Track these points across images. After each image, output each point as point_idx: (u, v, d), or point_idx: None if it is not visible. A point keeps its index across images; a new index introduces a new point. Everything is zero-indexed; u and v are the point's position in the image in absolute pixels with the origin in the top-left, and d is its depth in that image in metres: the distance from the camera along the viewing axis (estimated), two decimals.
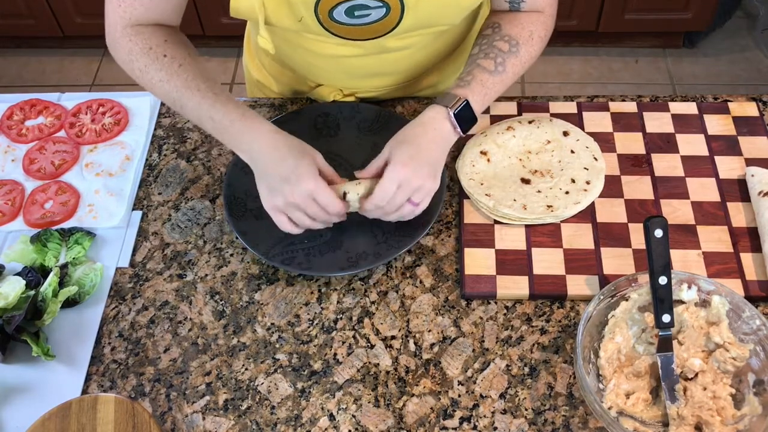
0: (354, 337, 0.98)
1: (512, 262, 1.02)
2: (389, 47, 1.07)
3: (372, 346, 0.97)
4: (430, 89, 1.26)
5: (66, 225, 1.10)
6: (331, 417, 0.91)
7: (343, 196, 0.97)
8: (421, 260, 1.04)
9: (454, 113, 0.98)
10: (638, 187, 1.09)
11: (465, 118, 0.98)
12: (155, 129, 1.23)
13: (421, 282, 1.02)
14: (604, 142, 1.14)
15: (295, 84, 1.26)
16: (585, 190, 1.06)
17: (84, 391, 0.94)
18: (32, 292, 0.98)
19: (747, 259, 1.01)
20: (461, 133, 1.00)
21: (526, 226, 1.05)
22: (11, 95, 1.28)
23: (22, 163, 1.18)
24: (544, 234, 1.05)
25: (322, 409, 0.92)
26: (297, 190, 0.92)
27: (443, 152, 0.99)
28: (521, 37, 1.03)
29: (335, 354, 0.96)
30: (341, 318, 0.99)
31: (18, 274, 1.02)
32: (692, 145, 1.14)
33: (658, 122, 1.17)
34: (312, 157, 0.95)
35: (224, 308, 1.01)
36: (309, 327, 0.99)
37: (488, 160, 1.11)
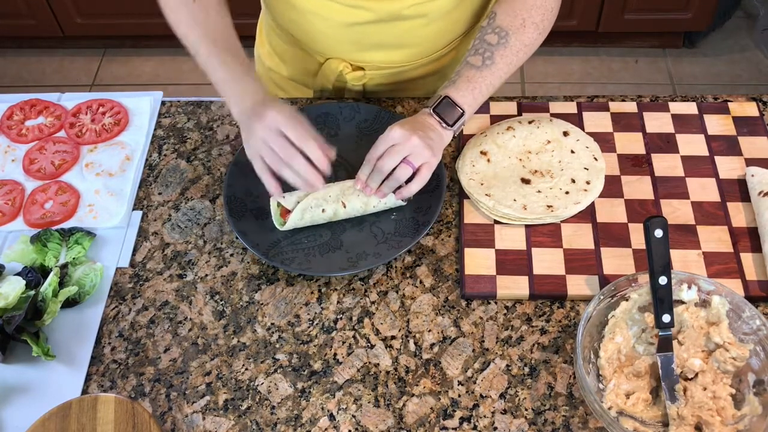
0: (354, 337, 0.98)
1: (512, 262, 1.02)
2: (404, 14, 1.07)
3: (372, 346, 0.97)
4: (438, 76, 1.24)
5: (66, 225, 1.10)
6: (331, 417, 0.91)
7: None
8: (421, 260, 1.04)
9: (432, 109, 1.02)
10: (638, 187, 1.09)
11: (447, 113, 1.02)
12: (155, 129, 1.23)
13: (421, 282, 1.02)
14: (604, 142, 1.14)
15: (303, 62, 1.25)
16: (585, 190, 1.06)
17: (84, 391, 0.94)
18: (32, 292, 0.98)
19: (747, 259, 1.01)
20: (449, 128, 1.02)
21: (526, 226, 1.05)
22: (11, 95, 1.28)
23: (22, 163, 1.18)
24: (544, 234, 1.05)
25: (322, 409, 0.92)
26: (264, 122, 0.95)
27: (440, 138, 1.02)
28: (512, 26, 1.04)
29: (335, 354, 0.96)
30: (341, 318, 0.99)
31: (18, 274, 1.02)
32: (692, 145, 1.14)
33: (658, 122, 1.17)
34: (289, 105, 0.98)
35: (224, 308, 1.01)
36: (309, 327, 0.99)
37: (488, 160, 1.11)
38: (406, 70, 1.21)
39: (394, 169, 0.99)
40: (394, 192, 1.03)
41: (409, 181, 1.01)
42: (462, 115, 1.03)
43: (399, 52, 1.17)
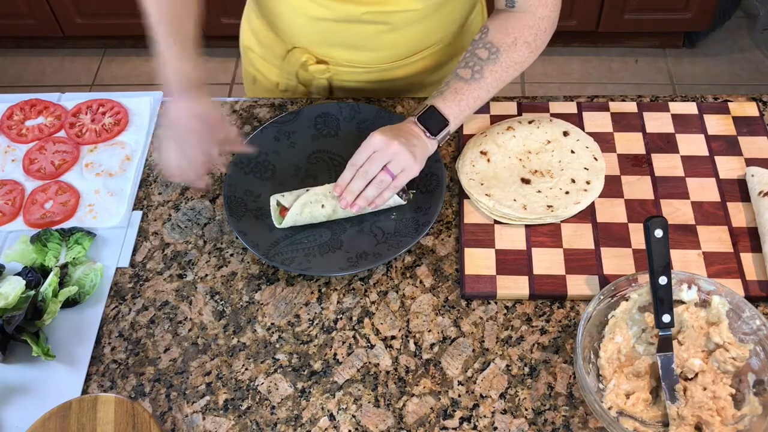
0: (354, 337, 0.98)
1: (512, 262, 1.02)
2: (363, 18, 1.09)
3: (372, 346, 0.97)
4: (406, 81, 1.25)
5: (66, 225, 1.10)
6: (331, 417, 0.91)
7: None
8: (421, 260, 1.04)
9: (417, 118, 1.03)
10: (638, 187, 1.09)
11: (432, 123, 1.03)
12: (155, 129, 1.23)
13: (421, 282, 1.02)
14: (604, 142, 1.14)
15: (273, 46, 1.25)
16: (585, 190, 1.06)
17: (84, 391, 0.94)
18: (32, 292, 0.98)
19: (747, 259, 1.01)
20: (432, 138, 1.03)
21: (526, 226, 1.05)
22: (11, 95, 1.28)
23: (22, 163, 1.18)
24: (544, 234, 1.05)
25: (322, 409, 0.92)
26: (172, 111, 0.98)
27: (424, 147, 1.02)
28: (503, 44, 1.05)
29: (335, 354, 0.96)
30: (341, 318, 0.99)
31: (18, 274, 1.02)
32: (692, 145, 1.14)
33: (658, 122, 1.17)
34: (204, 97, 1.00)
35: (224, 308, 1.01)
36: (309, 327, 0.99)
37: (488, 160, 1.11)
38: (371, 72, 1.21)
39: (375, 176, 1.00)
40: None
41: None
42: (446, 125, 1.03)
43: (362, 54, 1.18)
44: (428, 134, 1.03)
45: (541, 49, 1.08)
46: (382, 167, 0.99)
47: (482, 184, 1.07)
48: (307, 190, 1.05)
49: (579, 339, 0.87)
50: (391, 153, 0.98)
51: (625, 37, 2.73)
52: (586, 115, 1.18)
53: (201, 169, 1.01)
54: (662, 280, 0.88)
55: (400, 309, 1.00)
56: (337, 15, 1.09)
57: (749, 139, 1.14)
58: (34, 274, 1.01)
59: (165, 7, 1.01)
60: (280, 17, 1.17)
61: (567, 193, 1.06)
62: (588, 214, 1.06)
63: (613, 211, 1.07)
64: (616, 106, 1.20)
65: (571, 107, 1.20)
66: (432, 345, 0.96)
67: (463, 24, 1.23)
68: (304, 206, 1.03)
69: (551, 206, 1.05)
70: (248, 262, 1.05)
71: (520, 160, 1.11)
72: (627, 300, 0.92)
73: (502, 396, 0.92)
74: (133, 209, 1.13)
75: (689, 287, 0.91)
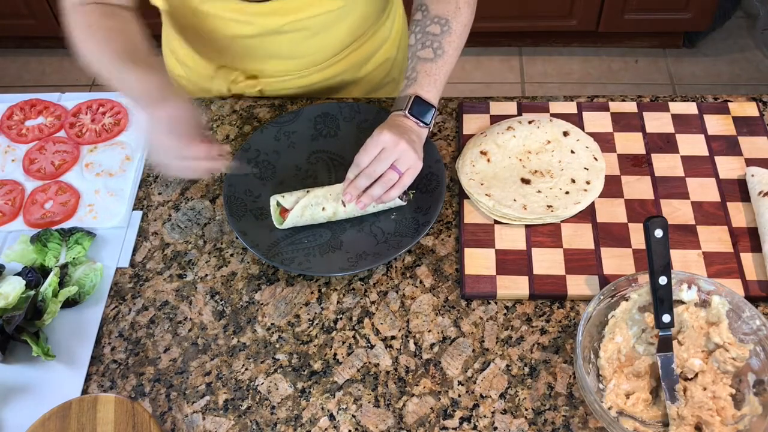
0: (354, 337, 0.98)
1: (512, 262, 1.02)
2: (284, 29, 1.10)
3: (372, 346, 0.97)
4: (334, 81, 1.25)
5: (66, 225, 1.10)
6: (331, 417, 0.91)
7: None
8: (421, 260, 1.04)
9: (408, 111, 1.03)
10: (638, 187, 1.09)
11: (421, 112, 1.04)
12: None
13: (421, 282, 1.02)
14: (604, 142, 1.14)
15: (199, 68, 1.25)
16: (585, 190, 1.06)
17: (84, 391, 0.94)
18: (32, 292, 0.98)
19: (747, 259, 1.01)
20: (425, 126, 1.04)
21: (526, 226, 1.05)
22: (11, 95, 1.28)
23: (22, 163, 1.18)
24: (544, 234, 1.05)
25: (322, 409, 0.92)
26: (154, 118, 0.94)
27: (420, 139, 1.04)
28: (448, 12, 1.06)
29: (335, 354, 0.96)
30: (341, 318, 0.99)
31: (18, 274, 1.02)
32: (692, 145, 1.14)
33: (658, 122, 1.17)
34: (184, 101, 0.96)
35: (224, 308, 1.01)
36: (309, 327, 0.99)
37: (488, 160, 1.11)
38: (299, 77, 1.22)
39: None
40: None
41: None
42: (433, 110, 1.04)
43: (290, 62, 1.19)
44: (421, 124, 1.04)
45: (476, 3, 1.10)
46: (389, 165, 0.99)
47: (482, 184, 1.07)
48: (308, 191, 1.05)
49: (579, 339, 0.87)
50: (399, 151, 0.99)
51: (625, 37, 2.73)
52: (586, 115, 1.18)
53: (202, 152, 0.96)
54: (662, 280, 0.88)
55: (400, 309, 1.00)
56: (260, 30, 1.10)
57: (749, 139, 1.14)
58: (34, 274, 1.01)
59: (112, 43, 1.00)
60: (203, 40, 1.17)
61: (567, 193, 1.06)
62: (588, 214, 1.06)
63: (613, 211, 1.07)
64: (616, 106, 1.20)
65: (571, 107, 1.20)
66: (432, 345, 0.96)
67: (382, 15, 1.24)
68: (305, 209, 1.03)
69: (551, 206, 1.05)
70: (248, 262, 1.05)
71: (520, 160, 1.11)
72: (627, 300, 0.92)
73: (502, 396, 0.92)
74: (133, 209, 1.13)
75: (689, 287, 0.91)
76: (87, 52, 1.00)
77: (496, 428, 0.89)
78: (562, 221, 1.05)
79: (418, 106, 1.04)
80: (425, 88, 1.04)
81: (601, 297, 0.90)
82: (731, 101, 1.20)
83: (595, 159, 1.10)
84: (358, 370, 0.95)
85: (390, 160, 0.99)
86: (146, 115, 0.96)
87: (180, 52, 1.27)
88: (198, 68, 1.26)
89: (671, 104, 1.20)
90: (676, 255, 1.01)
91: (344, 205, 1.03)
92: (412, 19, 1.09)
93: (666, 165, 1.12)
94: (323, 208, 1.03)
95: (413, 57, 1.07)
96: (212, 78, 1.25)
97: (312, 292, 1.02)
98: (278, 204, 1.05)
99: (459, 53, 1.08)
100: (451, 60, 1.07)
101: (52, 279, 0.99)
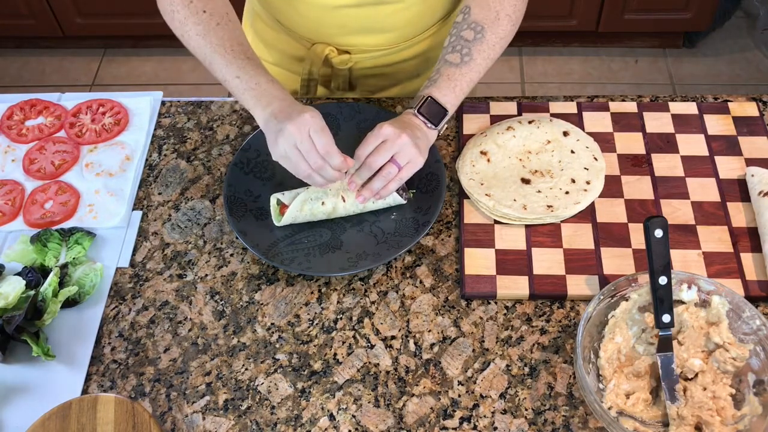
0: (354, 337, 0.98)
1: (512, 262, 1.02)
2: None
3: (372, 346, 0.97)
4: (421, 58, 1.26)
5: (66, 225, 1.10)
6: (331, 417, 0.91)
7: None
8: (421, 260, 1.04)
9: (418, 110, 1.03)
10: (638, 187, 1.09)
11: (432, 113, 1.03)
12: (155, 129, 1.23)
13: (421, 282, 1.02)
14: (604, 142, 1.14)
15: (289, 48, 1.26)
16: (585, 190, 1.06)
17: (84, 391, 0.94)
18: (32, 292, 0.98)
19: (747, 259, 1.01)
20: (434, 128, 1.04)
21: (526, 226, 1.05)
22: (11, 95, 1.28)
23: (22, 163, 1.18)
24: (544, 234, 1.05)
25: (322, 409, 0.92)
26: (295, 123, 0.95)
27: (426, 138, 1.03)
28: (487, 20, 1.06)
29: (335, 354, 0.96)
30: (341, 318, 0.99)
31: (18, 274, 1.02)
32: (692, 145, 1.14)
33: (658, 122, 1.17)
34: (318, 112, 0.98)
35: (224, 308, 1.01)
36: (309, 327, 0.99)
37: (488, 160, 1.11)
38: (389, 53, 1.23)
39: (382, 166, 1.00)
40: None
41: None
42: (446, 114, 1.04)
43: (381, 36, 1.19)
44: (429, 125, 1.03)
45: (520, 20, 1.09)
46: (389, 158, 0.99)
47: (482, 184, 1.07)
48: (307, 187, 1.05)
49: (579, 339, 0.87)
50: (400, 144, 0.98)
51: (625, 37, 2.73)
52: (586, 115, 1.18)
53: (337, 164, 0.97)
54: (662, 280, 0.88)
55: (400, 309, 1.00)
56: (360, 0, 1.10)
57: (749, 139, 1.14)
58: (34, 274, 1.01)
59: (219, 35, 1.03)
60: (296, 16, 1.17)
61: (567, 193, 1.06)
62: (588, 214, 1.06)
63: (613, 211, 1.07)
64: (616, 106, 1.20)
65: (571, 107, 1.20)
66: (432, 345, 0.96)
67: None
68: (304, 203, 1.03)
69: (551, 206, 1.05)
70: (248, 262, 1.05)
71: (520, 160, 1.11)
72: (627, 300, 0.92)
73: (502, 396, 0.92)
74: (133, 209, 1.13)
75: (689, 287, 0.91)
76: (194, 35, 1.03)
77: (496, 428, 0.89)
78: (562, 221, 1.06)
79: (430, 108, 1.03)
80: (442, 91, 1.04)
81: (601, 297, 0.90)
82: (731, 101, 1.20)
83: (595, 159, 1.10)
84: (358, 370, 0.95)
85: (390, 153, 0.99)
86: (277, 122, 0.96)
87: (267, 34, 1.28)
88: (287, 49, 1.26)
89: (671, 104, 1.20)
90: (676, 255, 1.01)
91: (344, 200, 1.03)
92: (454, 22, 1.09)
93: (666, 165, 1.12)
94: (323, 203, 1.03)
95: (441, 59, 1.07)
96: (302, 58, 1.24)
97: (312, 292, 1.02)
98: (278, 202, 1.05)
99: (489, 64, 1.07)
100: (478, 69, 1.06)
101: (52, 279, 0.99)
